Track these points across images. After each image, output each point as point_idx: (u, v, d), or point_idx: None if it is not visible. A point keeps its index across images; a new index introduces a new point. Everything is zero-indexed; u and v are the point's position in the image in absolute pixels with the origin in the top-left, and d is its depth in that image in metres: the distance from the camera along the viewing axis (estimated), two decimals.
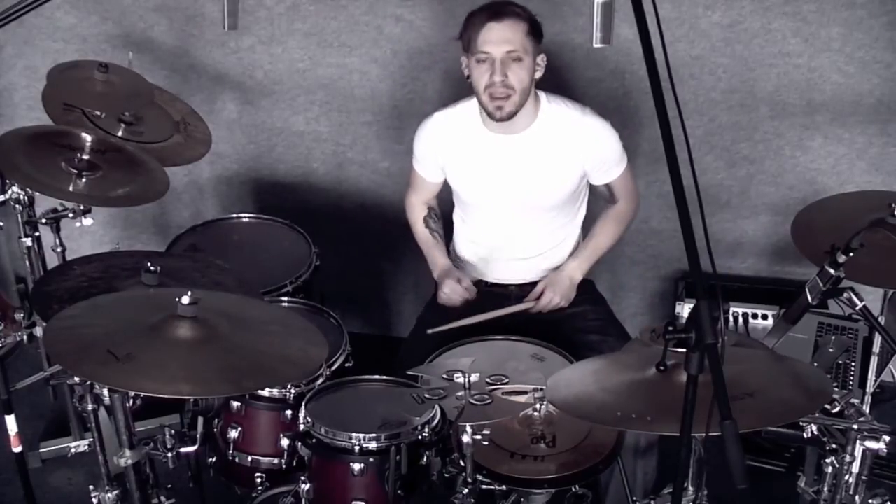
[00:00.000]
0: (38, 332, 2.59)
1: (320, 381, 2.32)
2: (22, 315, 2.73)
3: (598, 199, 2.84)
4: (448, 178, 2.76)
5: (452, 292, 2.70)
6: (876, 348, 2.56)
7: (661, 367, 1.66)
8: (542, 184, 2.64)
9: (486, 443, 2.03)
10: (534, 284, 2.74)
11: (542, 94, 2.62)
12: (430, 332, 2.59)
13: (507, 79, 2.47)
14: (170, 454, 2.19)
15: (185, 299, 1.87)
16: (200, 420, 2.30)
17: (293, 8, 3.26)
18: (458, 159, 2.70)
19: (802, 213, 2.41)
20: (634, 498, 2.44)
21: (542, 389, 2.12)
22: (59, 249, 2.79)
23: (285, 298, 2.66)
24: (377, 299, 3.69)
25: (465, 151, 2.66)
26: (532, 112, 2.59)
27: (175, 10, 3.32)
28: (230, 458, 2.37)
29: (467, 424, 2.00)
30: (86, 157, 2.52)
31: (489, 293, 2.77)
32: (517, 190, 2.65)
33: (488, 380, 2.15)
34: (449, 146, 2.69)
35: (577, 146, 2.60)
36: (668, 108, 1.52)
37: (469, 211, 2.79)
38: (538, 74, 2.55)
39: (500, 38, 2.46)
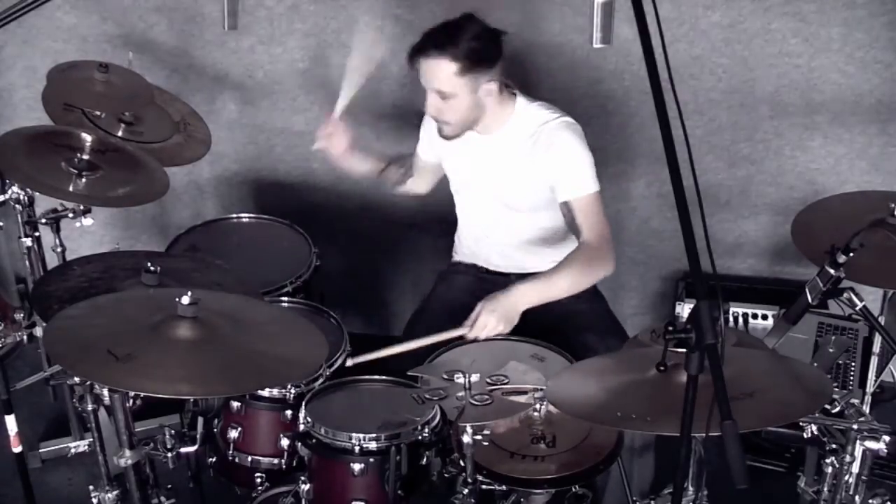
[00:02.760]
0: (38, 332, 2.59)
1: (320, 381, 2.32)
2: (22, 315, 2.73)
3: None
4: (441, 164, 2.81)
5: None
6: (876, 348, 2.56)
7: (661, 367, 1.66)
8: (512, 187, 2.63)
9: (486, 443, 2.03)
10: (535, 275, 2.73)
11: (520, 98, 2.59)
12: (350, 363, 2.38)
13: (441, 113, 2.49)
14: (170, 454, 2.19)
15: (185, 299, 1.87)
16: (200, 420, 2.30)
17: (293, 8, 3.26)
18: (447, 150, 2.73)
19: (802, 213, 2.41)
20: (634, 498, 2.44)
21: (542, 389, 2.12)
22: (59, 249, 2.79)
23: (285, 298, 2.66)
24: (377, 299, 3.69)
25: (453, 144, 2.67)
26: (503, 116, 2.58)
27: (175, 10, 3.32)
28: (230, 458, 2.37)
29: (467, 424, 2.00)
30: (86, 157, 2.52)
31: (491, 280, 2.78)
32: (490, 189, 2.67)
33: (488, 380, 2.15)
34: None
35: (537, 151, 2.55)
36: (668, 108, 1.52)
37: (459, 200, 2.84)
38: (490, 99, 2.50)
39: (426, 75, 2.46)
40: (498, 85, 2.51)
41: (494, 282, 2.77)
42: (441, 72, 2.43)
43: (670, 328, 1.53)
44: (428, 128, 2.78)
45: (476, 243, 2.83)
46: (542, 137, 2.55)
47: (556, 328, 2.65)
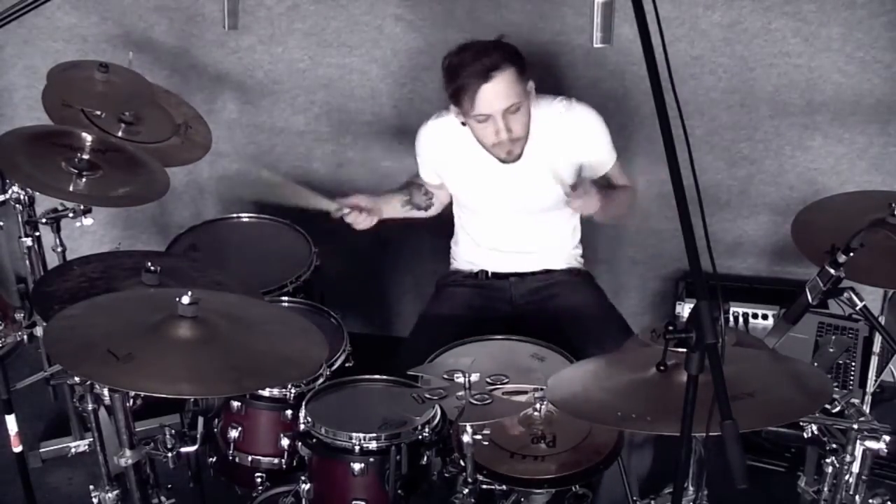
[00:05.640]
0: (38, 332, 2.58)
1: (320, 381, 2.32)
2: (22, 315, 2.72)
3: None
4: (444, 182, 2.78)
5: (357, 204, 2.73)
6: (876, 348, 2.56)
7: (661, 367, 1.66)
8: (536, 185, 2.63)
9: (486, 443, 2.03)
10: (534, 274, 2.76)
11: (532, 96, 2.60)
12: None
13: (512, 132, 2.47)
14: (170, 454, 2.18)
15: (185, 299, 1.87)
16: (200, 420, 2.30)
17: (293, 8, 3.26)
18: (452, 165, 2.73)
19: (802, 213, 2.41)
20: (634, 498, 2.44)
21: (542, 389, 2.12)
22: (59, 249, 2.79)
23: (285, 298, 2.66)
24: (377, 299, 3.69)
25: (459, 157, 2.67)
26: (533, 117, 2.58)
27: (175, 10, 3.32)
28: (230, 458, 2.37)
29: (467, 424, 2.00)
30: (86, 157, 2.51)
31: (490, 285, 2.79)
32: (511, 193, 2.66)
33: (488, 380, 2.15)
34: (443, 152, 2.72)
35: (567, 141, 2.60)
36: (668, 108, 1.52)
37: (466, 213, 2.82)
38: (531, 99, 2.52)
39: (495, 97, 2.41)
40: (534, 86, 2.53)
41: (493, 286, 2.79)
42: (509, 82, 2.41)
43: (670, 328, 1.53)
44: (423, 152, 2.77)
45: (481, 251, 2.82)
46: (566, 126, 2.59)
47: (557, 322, 2.65)
